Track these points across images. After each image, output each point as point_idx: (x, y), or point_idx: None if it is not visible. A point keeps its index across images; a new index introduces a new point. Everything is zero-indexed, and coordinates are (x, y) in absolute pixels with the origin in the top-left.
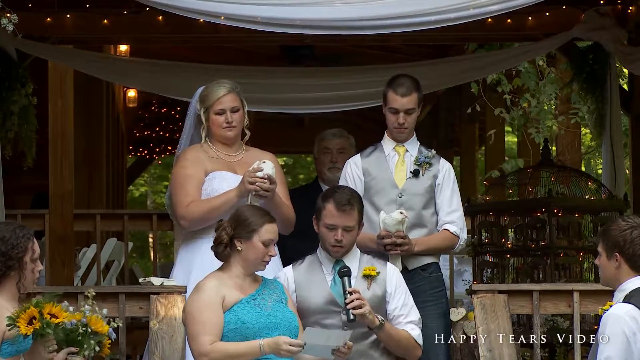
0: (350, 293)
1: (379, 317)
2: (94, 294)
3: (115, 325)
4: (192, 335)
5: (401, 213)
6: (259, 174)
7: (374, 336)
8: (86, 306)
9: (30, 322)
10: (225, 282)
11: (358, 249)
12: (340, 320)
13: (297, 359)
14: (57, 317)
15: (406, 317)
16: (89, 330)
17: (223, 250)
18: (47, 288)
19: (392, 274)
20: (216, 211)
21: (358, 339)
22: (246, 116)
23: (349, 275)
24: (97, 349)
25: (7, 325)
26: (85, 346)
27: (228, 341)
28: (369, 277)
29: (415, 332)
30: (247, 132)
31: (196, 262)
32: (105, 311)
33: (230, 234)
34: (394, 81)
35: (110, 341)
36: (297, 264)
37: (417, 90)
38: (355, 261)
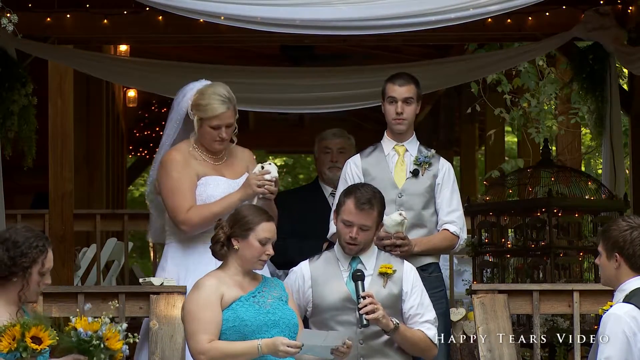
0: (364, 297)
1: (393, 320)
2: (117, 305)
3: (132, 340)
4: (190, 333)
5: (400, 215)
6: (267, 177)
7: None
8: (106, 319)
9: (10, 342)
10: (224, 281)
11: (376, 247)
12: (355, 317)
13: (297, 359)
14: (40, 343)
15: (422, 317)
16: (102, 345)
17: (220, 249)
18: (46, 288)
19: (409, 273)
20: (218, 216)
21: (373, 337)
22: (235, 125)
23: (363, 279)
24: None
25: None
26: (95, 359)
27: (227, 339)
28: (385, 275)
29: (431, 332)
30: (235, 138)
31: (190, 263)
32: (124, 325)
33: (227, 232)
34: (392, 76)
35: (122, 355)
36: (314, 259)
37: (415, 83)
38: (372, 258)
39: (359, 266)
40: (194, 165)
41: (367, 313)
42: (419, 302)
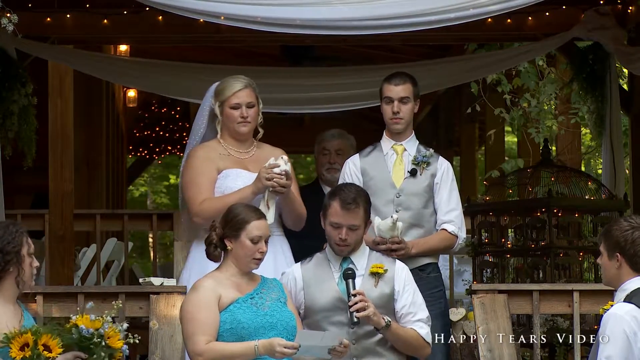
0: (354, 295)
1: (385, 317)
2: (120, 305)
3: (132, 341)
4: (187, 334)
5: (391, 217)
6: (276, 170)
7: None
8: (108, 318)
9: (22, 348)
10: (222, 282)
11: (367, 246)
12: (347, 317)
13: (295, 359)
14: (50, 351)
15: (415, 315)
16: (104, 343)
17: (214, 251)
18: (47, 288)
19: (400, 272)
20: None
21: (365, 337)
22: (260, 114)
23: (353, 278)
24: (107, 359)
25: (1, 341)
26: (95, 356)
27: (224, 341)
28: (376, 275)
29: (424, 331)
30: (260, 130)
31: (210, 263)
32: (125, 325)
33: (220, 234)
34: (389, 75)
35: (121, 355)
36: (306, 261)
37: (411, 82)
38: (364, 258)
39: (350, 266)
40: (216, 160)
41: (357, 311)
42: (412, 300)
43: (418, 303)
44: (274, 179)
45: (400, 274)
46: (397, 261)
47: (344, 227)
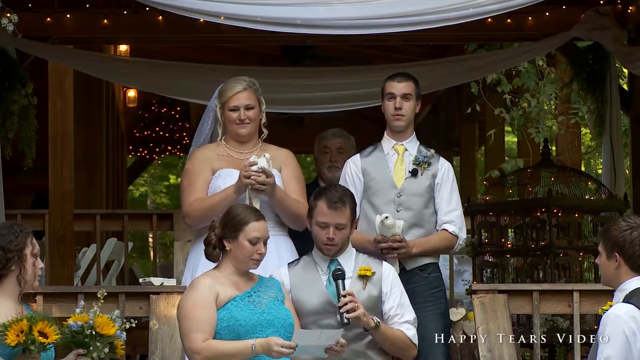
0: (344, 296)
1: (374, 318)
2: (105, 294)
3: (128, 326)
4: (184, 332)
5: (387, 217)
6: (254, 167)
7: (371, 336)
8: (95, 308)
9: (18, 335)
10: (220, 280)
11: (354, 249)
12: (336, 320)
13: (292, 358)
14: (47, 337)
15: (402, 317)
16: (95, 332)
17: (212, 251)
18: (47, 288)
19: (387, 274)
20: (216, 208)
21: (355, 340)
22: (263, 114)
23: (343, 278)
24: (107, 350)
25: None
26: (91, 348)
27: (221, 339)
28: (364, 278)
29: (411, 332)
30: (265, 130)
31: (201, 261)
32: (117, 312)
33: (219, 234)
34: (392, 74)
35: (122, 343)
36: (293, 264)
37: (414, 81)
38: (351, 261)
39: (339, 267)
40: (213, 160)
41: (347, 312)
42: (399, 302)
43: (405, 305)
44: (252, 177)
45: (388, 276)
46: (384, 263)
47: (331, 226)
